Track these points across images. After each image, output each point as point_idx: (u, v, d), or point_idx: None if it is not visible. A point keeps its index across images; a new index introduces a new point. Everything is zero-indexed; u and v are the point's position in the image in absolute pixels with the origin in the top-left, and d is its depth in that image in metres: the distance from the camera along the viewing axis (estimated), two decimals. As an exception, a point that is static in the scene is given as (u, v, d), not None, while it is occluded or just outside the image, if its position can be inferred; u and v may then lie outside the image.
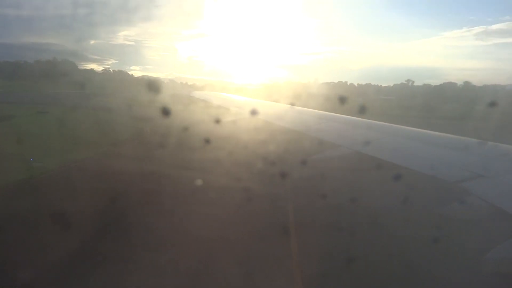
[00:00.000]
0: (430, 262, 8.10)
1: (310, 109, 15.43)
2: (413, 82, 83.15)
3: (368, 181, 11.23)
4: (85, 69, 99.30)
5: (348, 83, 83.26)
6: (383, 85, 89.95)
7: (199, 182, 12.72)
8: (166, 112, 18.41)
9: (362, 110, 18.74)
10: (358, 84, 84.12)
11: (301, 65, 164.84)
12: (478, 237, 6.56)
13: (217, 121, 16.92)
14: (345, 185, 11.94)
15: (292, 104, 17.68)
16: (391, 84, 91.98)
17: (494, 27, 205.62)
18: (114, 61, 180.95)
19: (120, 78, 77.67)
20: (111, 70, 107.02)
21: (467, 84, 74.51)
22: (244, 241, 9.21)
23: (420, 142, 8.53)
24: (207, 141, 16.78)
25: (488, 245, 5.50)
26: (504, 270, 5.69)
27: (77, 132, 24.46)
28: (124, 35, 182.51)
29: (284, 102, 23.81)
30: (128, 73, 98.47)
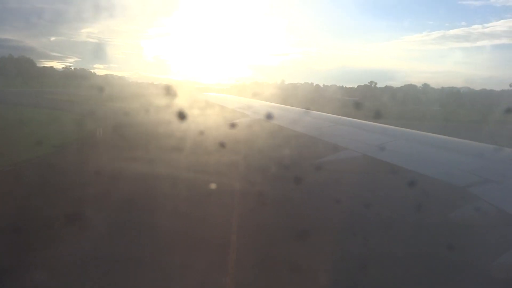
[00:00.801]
0: (437, 266, 8.04)
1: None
2: (375, 83, 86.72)
3: (373, 184, 11.29)
4: (44, 66, 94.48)
5: (314, 84, 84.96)
6: (348, 86, 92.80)
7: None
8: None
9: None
10: (324, 85, 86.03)
11: (269, 66, 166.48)
12: (487, 242, 6.50)
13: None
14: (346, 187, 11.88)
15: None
16: (355, 86, 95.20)
17: (451, 32, 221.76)
18: (76, 59, 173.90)
19: (82, 76, 74.45)
20: (73, 68, 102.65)
21: (425, 86, 79.04)
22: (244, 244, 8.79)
23: (419, 144, 8.44)
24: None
25: (496, 250, 5.43)
26: None
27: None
28: (87, 32, 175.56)
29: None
30: (91, 72, 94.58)
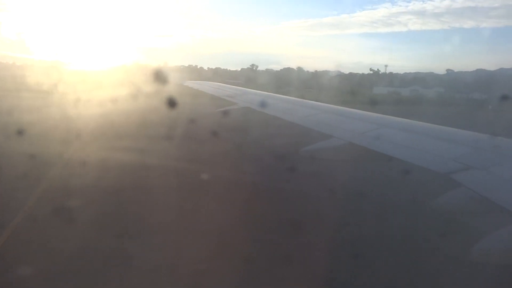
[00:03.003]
0: (419, 252, 8.06)
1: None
2: (257, 67, 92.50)
3: (356, 172, 11.28)
4: None
5: (198, 67, 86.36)
6: (232, 69, 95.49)
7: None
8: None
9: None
10: (208, 68, 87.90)
11: (154, 48, 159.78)
12: (468, 228, 6.52)
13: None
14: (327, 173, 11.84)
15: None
16: (239, 69, 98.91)
17: (325, 20, 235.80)
18: None
19: None
20: None
21: (300, 69, 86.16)
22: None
23: (403, 132, 8.43)
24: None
25: (477, 236, 5.45)
26: (491, 261, 5.69)
27: None
28: None
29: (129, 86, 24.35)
30: None
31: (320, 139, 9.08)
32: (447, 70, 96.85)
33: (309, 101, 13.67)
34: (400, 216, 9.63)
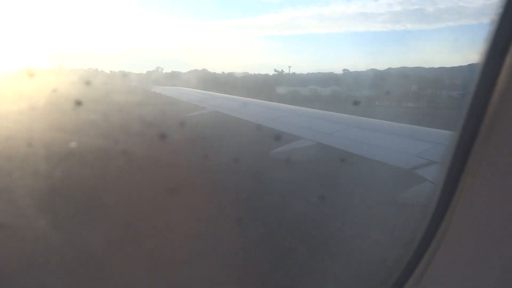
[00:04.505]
0: (385, 243, 8.28)
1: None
2: (162, 69, 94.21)
3: (323, 170, 11.59)
4: None
5: (99, 70, 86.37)
6: (137, 72, 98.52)
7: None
8: None
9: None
10: (110, 71, 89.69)
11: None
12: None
13: None
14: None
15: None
16: (144, 72, 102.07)
17: (230, 22, 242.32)
18: None
19: None
20: None
21: (205, 71, 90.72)
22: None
23: (368, 130, 8.79)
24: None
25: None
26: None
27: None
28: None
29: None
30: None
31: (290, 140, 9.29)
32: (344, 70, 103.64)
33: (276, 103, 14.00)
34: (367, 210, 9.89)
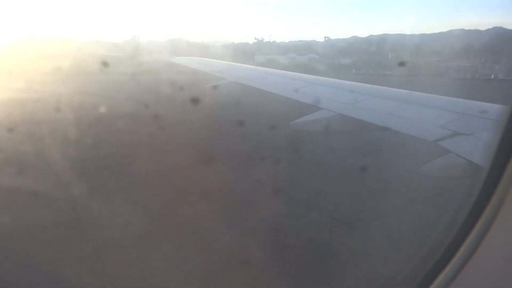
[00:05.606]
0: (408, 217, 8.39)
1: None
2: (139, 38, 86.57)
3: (347, 142, 11.62)
4: None
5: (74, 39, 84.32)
6: (114, 41, 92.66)
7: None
8: None
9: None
10: (87, 41, 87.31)
11: None
12: (456, 193, 6.82)
13: None
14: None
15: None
16: (121, 41, 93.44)
17: None
18: None
19: None
20: None
21: (183, 40, 79.59)
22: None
23: (391, 101, 8.60)
24: None
25: (463, 197, 5.72)
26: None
27: None
28: None
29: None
30: None
31: (310, 111, 9.23)
32: (325, 37, 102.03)
33: (297, 73, 13.72)
34: (390, 182, 9.96)
